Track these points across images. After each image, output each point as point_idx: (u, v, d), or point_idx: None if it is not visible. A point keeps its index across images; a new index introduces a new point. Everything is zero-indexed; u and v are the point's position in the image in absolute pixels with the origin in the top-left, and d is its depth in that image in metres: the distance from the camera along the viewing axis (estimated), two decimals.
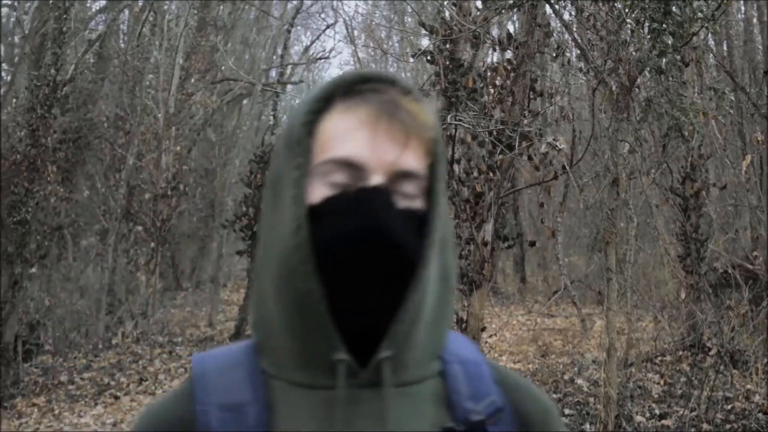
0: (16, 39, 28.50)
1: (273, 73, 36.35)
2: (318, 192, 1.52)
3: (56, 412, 13.90)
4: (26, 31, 23.34)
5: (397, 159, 1.51)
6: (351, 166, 1.50)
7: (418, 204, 1.55)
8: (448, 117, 10.41)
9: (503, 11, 11.31)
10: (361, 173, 1.50)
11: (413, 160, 1.53)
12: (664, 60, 8.91)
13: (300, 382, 1.54)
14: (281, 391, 1.56)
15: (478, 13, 11.69)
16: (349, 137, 1.52)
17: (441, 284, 1.58)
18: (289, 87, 39.99)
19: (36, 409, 14.19)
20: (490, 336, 13.57)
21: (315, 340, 1.50)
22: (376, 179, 1.50)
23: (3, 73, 26.67)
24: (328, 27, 41.83)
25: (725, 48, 19.68)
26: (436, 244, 1.55)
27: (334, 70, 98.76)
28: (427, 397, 1.59)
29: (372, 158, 1.50)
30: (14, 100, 21.65)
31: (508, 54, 10.87)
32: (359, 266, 1.48)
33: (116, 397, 14.79)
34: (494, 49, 11.66)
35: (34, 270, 17.89)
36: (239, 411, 1.54)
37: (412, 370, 1.57)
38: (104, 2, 27.04)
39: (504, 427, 1.63)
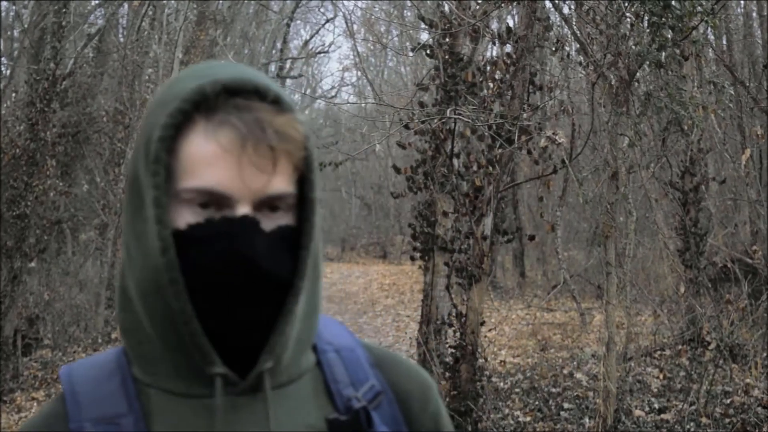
0: (16, 33, 28.46)
1: (272, 67, 36.35)
2: (182, 217, 1.48)
3: None
4: (25, 25, 23.33)
5: (263, 186, 1.47)
6: (216, 195, 1.46)
7: (287, 219, 1.53)
8: (448, 111, 10.41)
9: (502, 5, 11.31)
10: (226, 202, 1.46)
11: (281, 183, 1.49)
12: (663, 54, 8.93)
13: (176, 391, 1.53)
14: (157, 400, 1.54)
15: (478, 6, 11.68)
16: (213, 165, 1.46)
17: (312, 275, 1.57)
18: (288, 81, 40.00)
19: (35, 403, 14.21)
20: (490, 330, 13.56)
21: (190, 355, 1.48)
22: (242, 209, 1.47)
23: (2, 67, 26.67)
24: (327, 21, 41.72)
25: (725, 42, 19.68)
26: (311, 256, 1.54)
27: (333, 64, 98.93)
28: (307, 392, 1.60)
29: (237, 188, 1.46)
30: (13, 95, 21.65)
31: (508, 48, 10.84)
32: (229, 294, 1.46)
33: None
34: (494, 43, 11.62)
35: (33, 264, 17.90)
36: (114, 423, 1.51)
37: (288, 369, 1.57)
38: None
39: (385, 409, 1.65)
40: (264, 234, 1.48)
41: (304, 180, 1.54)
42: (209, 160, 1.46)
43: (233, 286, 1.46)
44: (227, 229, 1.46)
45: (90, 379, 1.58)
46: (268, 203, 1.49)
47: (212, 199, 1.47)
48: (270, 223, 1.50)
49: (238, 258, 1.45)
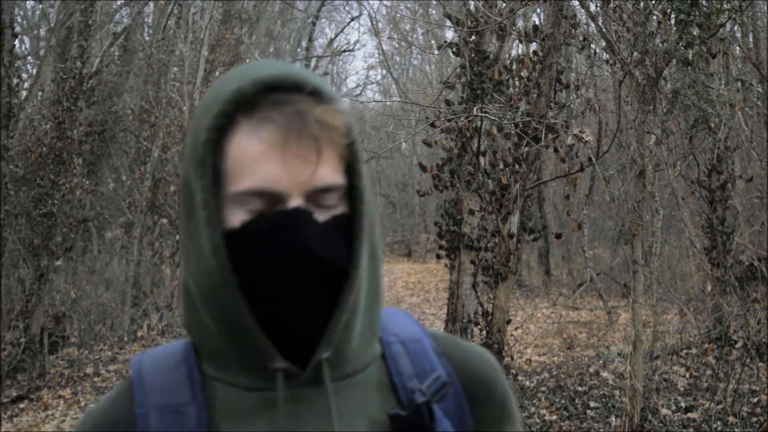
0: (42, 32, 28.60)
1: (298, 65, 36.39)
2: (236, 217, 1.49)
3: (82, 404, 13.94)
4: (52, 24, 23.41)
5: (311, 177, 1.48)
6: (266, 193, 1.47)
7: (340, 209, 1.53)
8: (474, 109, 10.40)
9: (529, 3, 11.29)
10: (278, 198, 1.48)
11: (329, 172, 1.50)
12: (690, 51, 8.88)
13: (241, 384, 1.54)
14: (221, 392, 1.56)
15: (504, 5, 11.67)
16: (259, 164, 1.47)
17: (370, 265, 1.58)
18: None
19: (62, 401, 14.24)
20: (516, 328, 13.57)
21: (250, 351, 1.50)
22: (293, 202, 1.47)
23: (29, 66, 26.77)
24: (352, 19, 41.85)
25: (751, 39, 19.58)
26: (366, 243, 1.55)
27: (358, 62, 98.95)
28: (371, 383, 1.60)
29: (286, 183, 1.47)
30: (40, 93, 21.71)
31: (534, 46, 10.83)
32: (287, 286, 1.48)
33: None
34: (520, 41, 11.62)
35: (59, 262, 17.98)
36: (179, 412, 1.54)
37: (352, 360, 1.58)
38: None
39: (450, 401, 1.64)
40: (317, 224, 1.49)
41: (351, 169, 1.55)
42: (255, 158, 1.47)
43: (290, 277, 1.47)
44: (280, 221, 1.47)
45: (157, 368, 1.62)
46: (320, 195, 1.50)
47: (263, 197, 1.48)
48: (323, 214, 1.51)
49: (293, 247, 1.46)
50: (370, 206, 1.58)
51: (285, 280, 1.47)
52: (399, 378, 1.62)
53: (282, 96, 1.49)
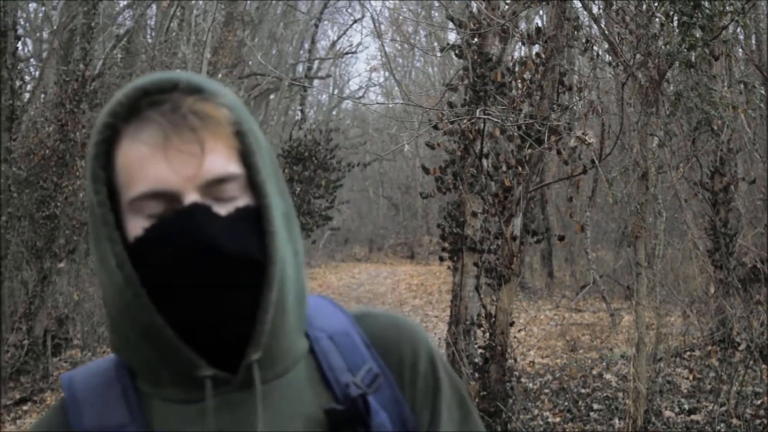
0: (45, 34, 28.61)
1: (300, 67, 36.41)
2: (137, 225, 1.48)
3: None
4: (55, 27, 23.42)
5: (198, 170, 1.46)
6: (159, 194, 1.45)
7: (243, 201, 1.51)
8: (477, 111, 10.39)
9: (532, 5, 11.29)
10: (173, 197, 1.46)
11: (217, 163, 1.47)
12: (693, 54, 8.88)
13: (174, 398, 1.52)
14: (158, 409, 1.53)
15: (507, 7, 11.66)
16: (145, 166, 1.45)
17: (295, 260, 1.58)
18: (316, 82, 40.04)
19: None
20: (519, 331, 13.54)
21: (175, 362, 1.48)
22: (188, 198, 1.45)
23: (32, 69, 26.78)
24: (355, 22, 41.75)
25: (754, 42, 19.56)
26: (278, 237, 1.53)
27: (361, 64, 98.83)
28: (302, 381, 1.58)
29: (174, 180, 1.45)
30: (43, 96, 21.70)
31: (537, 48, 10.81)
32: (200, 288, 1.45)
33: None
34: (523, 43, 11.60)
35: (62, 265, 17.95)
36: None
37: (283, 359, 1.56)
38: None
39: (385, 392, 1.62)
40: (219, 217, 1.47)
41: (247, 163, 1.52)
42: (141, 161, 1.46)
43: (200, 275, 1.45)
44: (179, 220, 1.45)
45: (91, 388, 1.58)
46: (215, 187, 1.48)
47: (158, 200, 1.46)
48: (226, 207, 1.49)
49: (195, 243, 1.44)
50: (276, 198, 1.56)
51: (196, 280, 1.45)
52: (332, 373, 1.60)
53: (159, 97, 1.48)
